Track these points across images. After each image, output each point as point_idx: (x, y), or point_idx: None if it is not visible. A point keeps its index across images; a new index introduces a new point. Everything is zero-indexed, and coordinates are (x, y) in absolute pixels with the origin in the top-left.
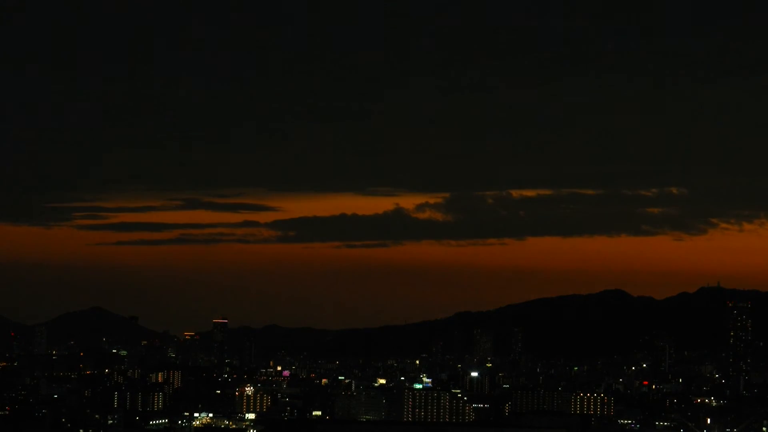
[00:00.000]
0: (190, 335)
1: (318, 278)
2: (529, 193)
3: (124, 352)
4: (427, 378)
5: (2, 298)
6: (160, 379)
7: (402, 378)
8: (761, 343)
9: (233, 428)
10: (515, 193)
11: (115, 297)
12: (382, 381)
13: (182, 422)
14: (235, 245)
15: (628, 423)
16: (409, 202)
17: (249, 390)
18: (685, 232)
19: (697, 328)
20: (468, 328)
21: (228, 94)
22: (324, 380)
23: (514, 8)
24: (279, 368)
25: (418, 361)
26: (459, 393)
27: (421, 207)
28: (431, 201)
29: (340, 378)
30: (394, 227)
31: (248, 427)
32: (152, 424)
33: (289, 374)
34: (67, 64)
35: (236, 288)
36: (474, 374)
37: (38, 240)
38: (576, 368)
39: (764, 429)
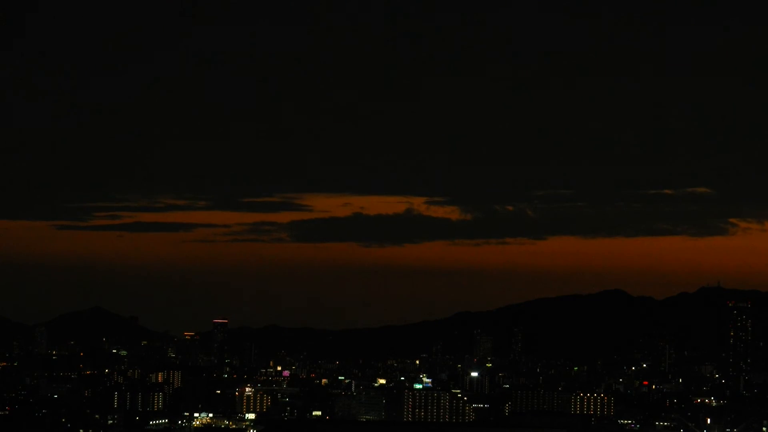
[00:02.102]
0: (190, 335)
1: (321, 278)
2: (545, 193)
3: (124, 352)
4: (427, 378)
5: (2, 298)
6: (160, 379)
7: (402, 378)
8: (761, 343)
9: (233, 428)
10: (531, 193)
11: (115, 297)
12: (382, 381)
13: (182, 422)
14: (245, 245)
15: (628, 423)
16: (423, 202)
17: (249, 390)
18: (705, 232)
19: (697, 328)
20: (468, 328)
21: (245, 96)
22: (324, 380)
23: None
24: (279, 368)
25: (418, 361)
26: (459, 393)
27: (435, 207)
28: (445, 201)
29: (340, 378)
30: (411, 228)
31: (248, 427)
32: (152, 424)
33: (289, 374)
34: (82, 60)
35: (238, 288)
36: (474, 374)
37: (49, 239)
38: (576, 368)
39: (764, 429)
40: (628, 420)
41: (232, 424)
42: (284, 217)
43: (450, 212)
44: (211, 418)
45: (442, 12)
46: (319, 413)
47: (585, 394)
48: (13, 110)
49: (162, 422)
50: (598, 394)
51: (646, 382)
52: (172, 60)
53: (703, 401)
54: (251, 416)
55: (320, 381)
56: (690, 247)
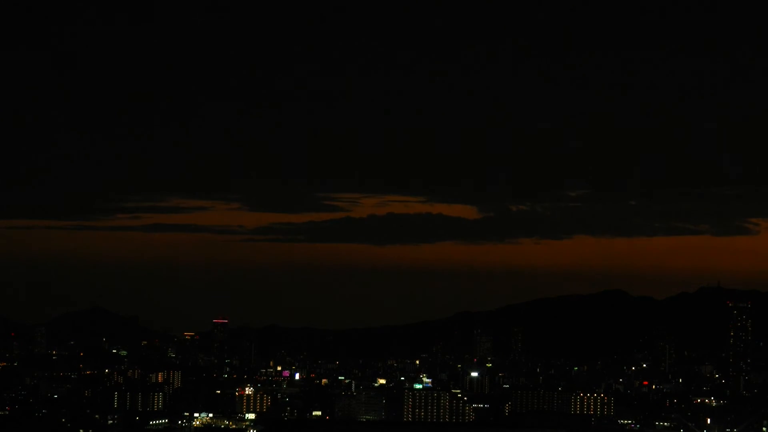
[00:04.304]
0: (190, 335)
1: (325, 279)
2: (561, 193)
3: (124, 352)
4: (427, 378)
5: (2, 298)
6: (160, 379)
7: (402, 378)
8: (761, 343)
9: (233, 428)
10: (547, 193)
11: (115, 297)
12: (382, 381)
13: (182, 422)
14: (256, 245)
15: (628, 423)
16: (439, 201)
17: (249, 390)
18: (727, 232)
19: (697, 328)
20: (468, 328)
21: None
22: (324, 380)
23: None
24: (279, 368)
25: (418, 361)
26: (459, 393)
27: (450, 207)
28: (460, 201)
29: (340, 378)
30: (426, 228)
31: (248, 427)
32: (152, 425)
33: (289, 374)
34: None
35: (240, 288)
36: (474, 374)
37: (49, 239)
38: (576, 368)
39: (764, 429)
40: (628, 420)
41: (232, 424)
42: (301, 217)
43: (465, 212)
44: (211, 418)
45: (453, 11)
46: (319, 413)
47: (585, 394)
48: (25, 106)
49: (162, 422)
50: (598, 394)
51: (646, 382)
52: (187, 60)
53: (703, 401)
54: (251, 416)
55: (320, 381)
56: (675, 247)
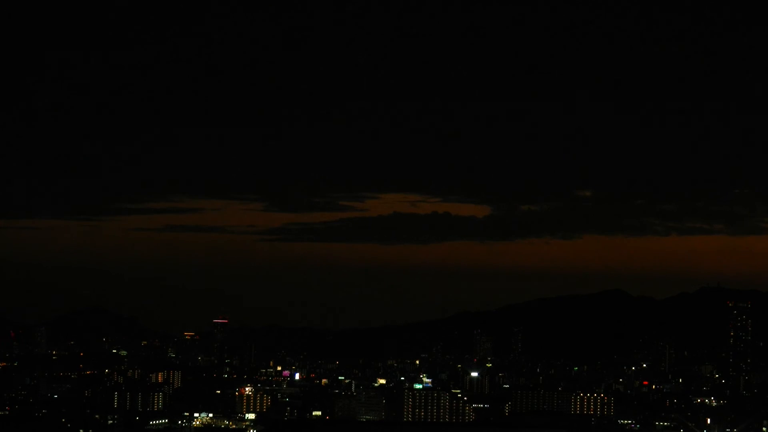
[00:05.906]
0: (190, 335)
1: (327, 278)
2: (569, 192)
3: (124, 352)
4: (427, 378)
5: (2, 298)
6: (160, 379)
7: (402, 378)
8: (761, 343)
9: (233, 428)
10: (558, 194)
11: (115, 297)
12: (382, 381)
13: (182, 422)
14: (263, 245)
15: (628, 423)
16: (448, 201)
17: (249, 390)
18: (741, 232)
19: (697, 328)
20: (468, 328)
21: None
22: (324, 380)
23: None
24: (279, 368)
25: (418, 361)
26: (459, 393)
27: (459, 207)
28: (469, 201)
29: (340, 378)
30: (434, 227)
31: (248, 427)
32: (152, 424)
33: (289, 374)
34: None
35: (240, 288)
36: (474, 374)
37: (49, 239)
38: (576, 368)
39: (764, 429)
40: (628, 420)
41: (232, 424)
42: (311, 217)
43: (475, 212)
44: (211, 418)
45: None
46: (319, 413)
47: (585, 394)
48: (33, 105)
49: (162, 422)
50: (598, 394)
51: (646, 382)
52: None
53: (703, 401)
54: (251, 416)
55: (320, 381)
56: (675, 247)
